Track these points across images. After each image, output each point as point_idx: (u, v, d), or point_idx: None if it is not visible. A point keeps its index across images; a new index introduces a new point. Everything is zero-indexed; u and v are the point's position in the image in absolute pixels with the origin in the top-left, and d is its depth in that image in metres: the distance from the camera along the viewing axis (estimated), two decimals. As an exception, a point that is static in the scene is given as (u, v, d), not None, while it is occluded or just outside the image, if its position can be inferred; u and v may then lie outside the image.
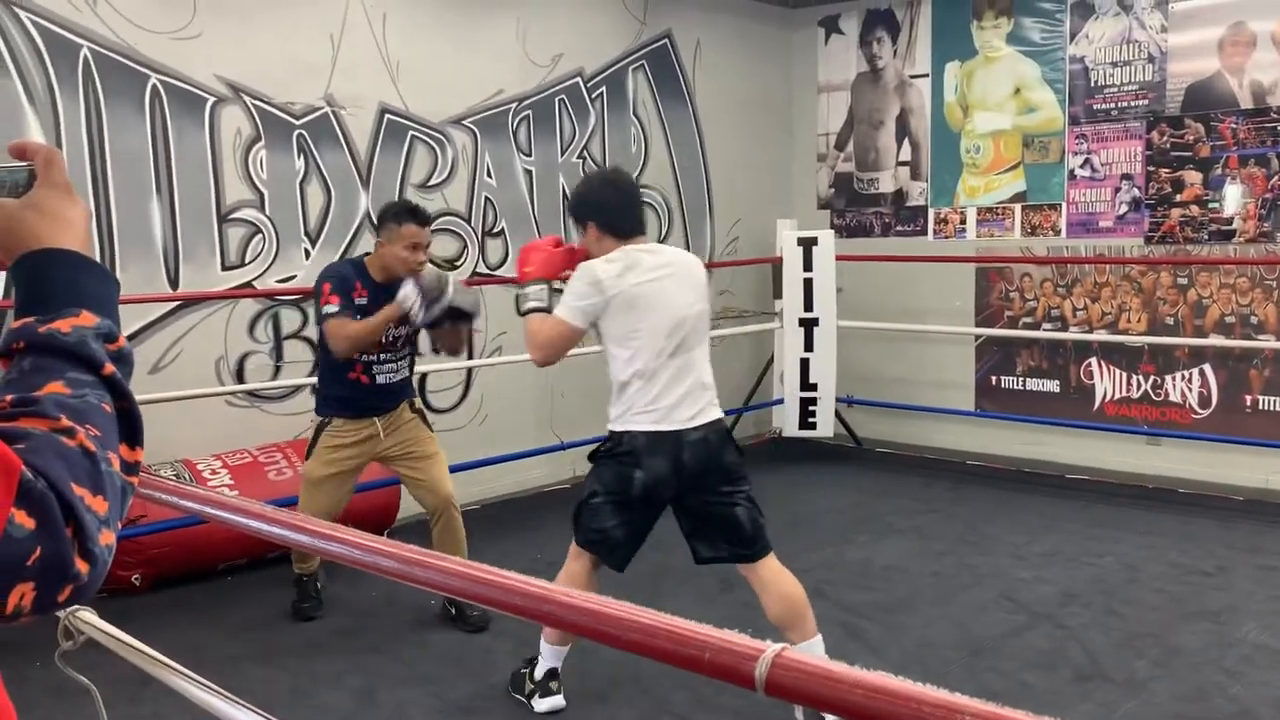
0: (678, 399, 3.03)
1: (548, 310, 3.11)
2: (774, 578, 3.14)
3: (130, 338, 4.54)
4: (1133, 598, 4.13)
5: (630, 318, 3.01)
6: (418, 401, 4.11)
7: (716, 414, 3.12)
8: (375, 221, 3.97)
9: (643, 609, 0.81)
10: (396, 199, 4.58)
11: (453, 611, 3.98)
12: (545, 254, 3.18)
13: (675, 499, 3.11)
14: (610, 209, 3.14)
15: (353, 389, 3.86)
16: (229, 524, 1.44)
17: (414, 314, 3.67)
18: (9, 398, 0.81)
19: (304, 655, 3.72)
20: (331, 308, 3.68)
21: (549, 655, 3.28)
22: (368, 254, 3.90)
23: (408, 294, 3.64)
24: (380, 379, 3.88)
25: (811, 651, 3.00)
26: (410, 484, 4.01)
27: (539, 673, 3.30)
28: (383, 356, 3.85)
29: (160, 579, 4.31)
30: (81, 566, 0.76)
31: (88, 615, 1.71)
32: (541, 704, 3.27)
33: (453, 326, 3.83)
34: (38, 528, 0.74)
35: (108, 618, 1.92)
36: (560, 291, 3.15)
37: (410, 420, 3.99)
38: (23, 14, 4.22)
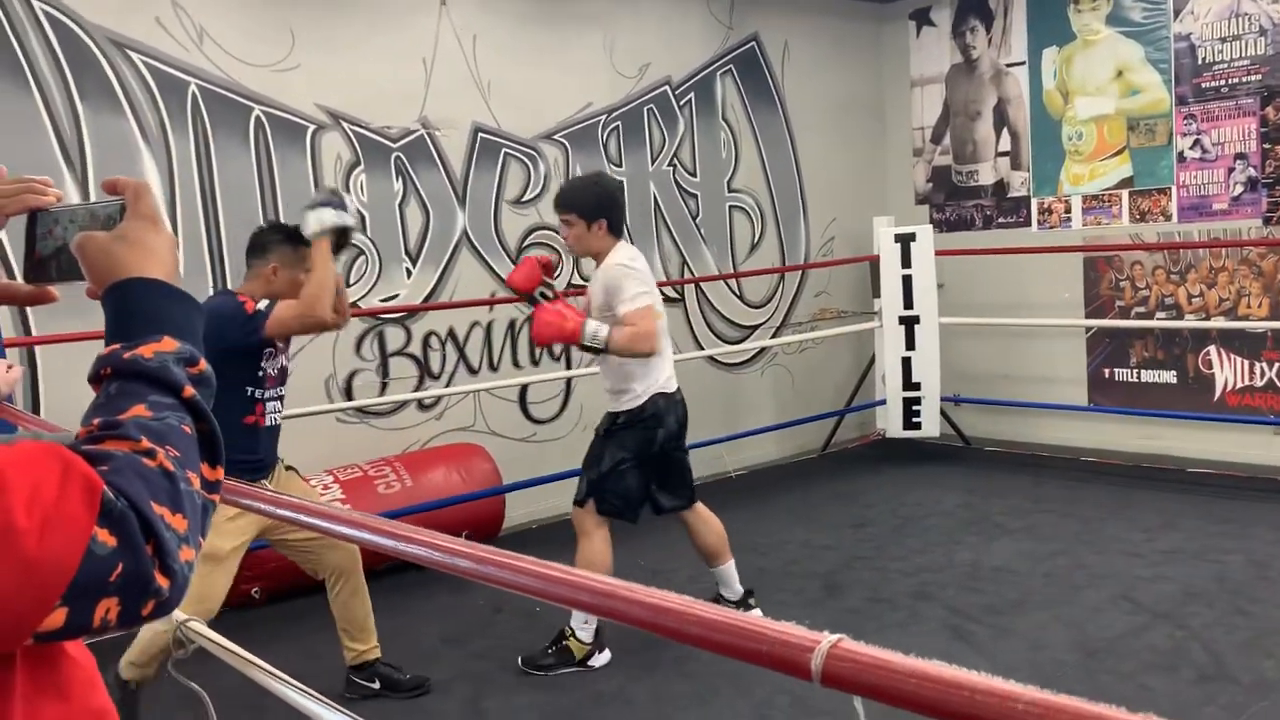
0: (671, 367, 3.72)
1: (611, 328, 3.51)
2: (710, 515, 3.86)
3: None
4: (1261, 595, 3.94)
5: (652, 304, 3.55)
6: (286, 460, 3.54)
7: None
8: (255, 247, 3.34)
9: (702, 603, 0.81)
10: (268, 222, 4.01)
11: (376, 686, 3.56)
12: (567, 306, 3.56)
13: (670, 452, 3.71)
14: (621, 211, 3.67)
15: (247, 438, 3.24)
16: (342, 536, 1.47)
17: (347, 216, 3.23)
18: (96, 421, 0.86)
19: (414, 665, 3.80)
20: (265, 303, 3.19)
21: (584, 617, 3.63)
22: (226, 290, 3.44)
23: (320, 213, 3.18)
24: (269, 420, 3.33)
25: (730, 573, 3.90)
26: (305, 547, 3.40)
27: (587, 636, 3.65)
28: (269, 393, 3.31)
29: (278, 592, 4.46)
30: (162, 582, 0.80)
31: (198, 625, 1.79)
32: (601, 659, 3.68)
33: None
34: (119, 545, 0.77)
35: (229, 630, 2.00)
36: (547, 298, 3.61)
37: (288, 474, 3.48)
38: (135, 56, 4.44)
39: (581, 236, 3.57)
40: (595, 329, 3.45)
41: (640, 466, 3.65)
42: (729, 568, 3.89)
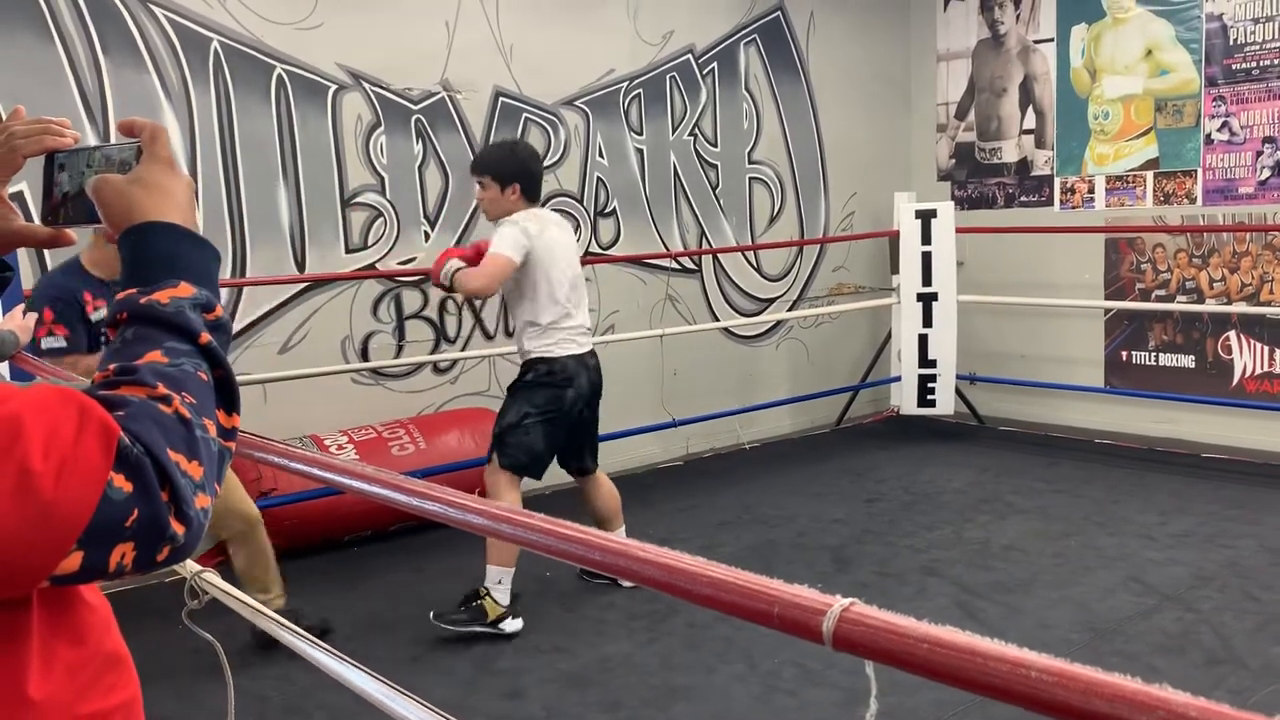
0: (583, 330, 3.86)
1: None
2: (608, 482, 4.04)
3: (260, 319, 4.75)
4: (1272, 581, 3.93)
5: (545, 265, 3.71)
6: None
7: None
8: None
9: (714, 564, 0.81)
10: None
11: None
12: (457, 252, 3.76)
13: (580, 413, 3.84)
14: (535, 179, 3.80)
15: None
16: (355, 491, 1.45)
17: None
18: (112, 366, 0.86)
19: (426, 625, 3.83)
20: (57, 341, 2.91)
21: (508, 578, 3.68)
22: (77, 257, 3.24)
23: None
24: None
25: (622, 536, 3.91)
26: None
27: (503, 598, 3.66)
28: None
29: (291, 550, 4.48)
30: (178, 528, 0.80)
31: (212, 577, 1.80)
32: (512, 625, 3.67)
33: None
34: (134, 491, 0.78)
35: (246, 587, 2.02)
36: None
37: None
38: (159, 11, 4.43)
39: (495, 200, 3.75)
40: (448, 268, 3.66)
41: (547, 423, 3.76)
42: (621, 534, 3.95)
